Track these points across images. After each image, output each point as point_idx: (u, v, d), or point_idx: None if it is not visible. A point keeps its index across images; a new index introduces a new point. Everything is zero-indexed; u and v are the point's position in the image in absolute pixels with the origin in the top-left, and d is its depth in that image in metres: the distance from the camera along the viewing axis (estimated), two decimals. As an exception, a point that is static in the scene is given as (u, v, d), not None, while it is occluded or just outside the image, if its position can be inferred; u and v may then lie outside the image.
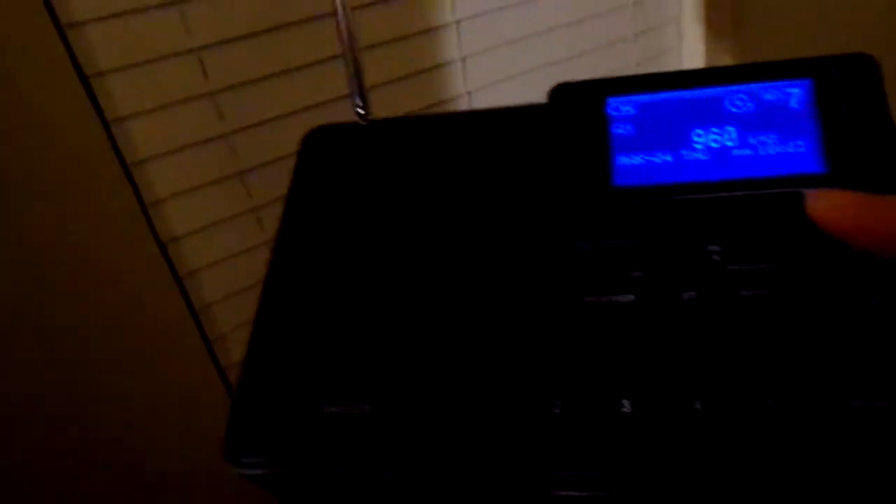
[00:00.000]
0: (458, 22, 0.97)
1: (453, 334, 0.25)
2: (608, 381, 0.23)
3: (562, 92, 0.29)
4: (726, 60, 1.18)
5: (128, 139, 0.76)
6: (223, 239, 0.86)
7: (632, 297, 0.24)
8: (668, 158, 0.27)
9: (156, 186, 0.80)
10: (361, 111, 0.33)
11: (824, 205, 0.24)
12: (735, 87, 0.27)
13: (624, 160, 0.27)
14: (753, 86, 0.27)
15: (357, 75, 0.33)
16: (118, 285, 0.79)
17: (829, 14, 1.08)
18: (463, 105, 1.00)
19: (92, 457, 0.85)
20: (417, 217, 0.28)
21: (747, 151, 0.27)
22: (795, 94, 0.27)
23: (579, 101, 0.28)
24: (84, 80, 0.71)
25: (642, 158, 0.27)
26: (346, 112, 0.33)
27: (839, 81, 0.27)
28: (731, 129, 0.27)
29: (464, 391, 0.23)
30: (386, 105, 0.90)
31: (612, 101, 0.28)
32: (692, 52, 1.21)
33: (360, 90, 0.33)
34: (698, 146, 0.27)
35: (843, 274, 0.24)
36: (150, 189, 0.79)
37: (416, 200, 0.28)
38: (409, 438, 0.23)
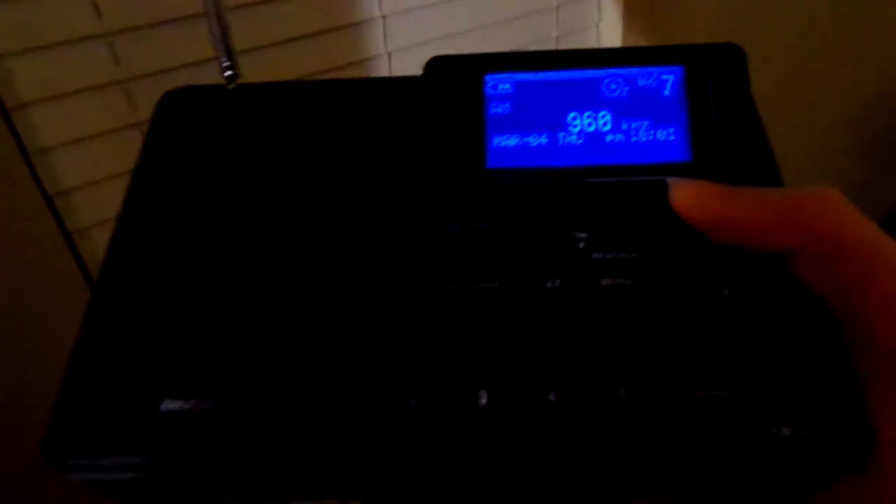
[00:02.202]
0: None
1: (307, 321, 0.23)
2: (466, 373, 0.21)
3: (438, 65, 0.27)
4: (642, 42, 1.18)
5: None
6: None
7: (496, 285, 0.23)
8: (544, 141, 0.26)
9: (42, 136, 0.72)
10: (229, 73, 0.29)
11: (683, 195, 0.23)
12: (612, 71, 0.26)
13: (499, 141, 0.26)
14: (629, 70, 0.26)
15: (223, 33, 0.29)
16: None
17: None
18: (383, 66, 0.96)
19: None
20: (275, 193, 0.25)
21: (620, 137, 0.26)
22: (668, 80, 0.26)
23: (456, 76, 0.26)
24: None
25: (518, 139, 0.26)
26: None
27: (708, 70, 0.26)
28: (605, 113, 0.26)
29: (317, 383, 0.22)
30: (295, 63, 0.85)
31: (490, 79, 0.26)
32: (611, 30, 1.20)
33: (227, 49, 0.29)
34: (574, 129, 0.26)
35: (701, 264, 0.23)
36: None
37: (274, 174, 0.26)
38: (256, 435, 0.21)
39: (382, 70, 0.96)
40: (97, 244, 0.79)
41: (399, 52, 0.97)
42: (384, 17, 0.94)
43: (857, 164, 1.17)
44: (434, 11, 0.98)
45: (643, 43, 1.18)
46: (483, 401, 0.21)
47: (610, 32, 1.19)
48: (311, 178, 0.26)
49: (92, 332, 0.23)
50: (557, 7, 1.11)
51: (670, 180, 0.24)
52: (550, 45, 1.12)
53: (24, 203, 0.72)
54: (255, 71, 0.79)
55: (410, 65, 0.98)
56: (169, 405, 0.21)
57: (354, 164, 0.26)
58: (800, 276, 0.22)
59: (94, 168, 0.75)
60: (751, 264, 0.22)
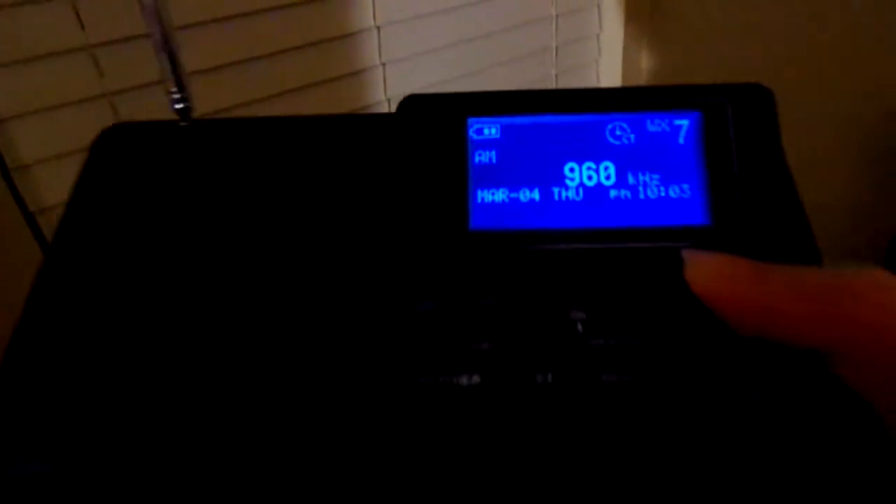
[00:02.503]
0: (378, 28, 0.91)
1: (248, 410, 0.18)
2: (439, 492, 0.17)
3: (413, 106, 0.23)
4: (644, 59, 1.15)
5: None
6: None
7: (477, 379, 0.18)
8: (536, 197, 0.22)
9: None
10: (181, 105, 0.26)
11: (702, 273, 0.19)
12: (617, 115, 0.22)
13: (484, 196, 0.22)
14: (637, 115, 0.22)
15: (172, 58, 0.25)
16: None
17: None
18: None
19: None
20: (218, 248, 0.21)
21: (626, 193, 0.21)
22: (683, 126, 0.22)
23: (434, 119, 0.22)
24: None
25: (505, 195, 0.22)
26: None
27: (730, 115, 0.22)
28: (609, 164, 0.22)
29: (261, 482, 0.17)
30: (289, 75, 0.82)
31: (474, 122, 0.22)
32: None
33: (178, 79, 0.26)
34: (571, 183, 0.22)
35: (724, 358, 0.18)
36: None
37: (220, 225, 0.22)
38: None
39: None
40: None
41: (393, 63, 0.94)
42: (378, 27, 0.91)
43: (865, 179, 1.13)
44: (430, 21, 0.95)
45: (644, 59, 1.15)
46: None
47: (610, 43, 1.17)
48: (261, 237, 0.22)
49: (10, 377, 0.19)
50: (556, 16, 1.08)
51: (686, 253, 0.19)
52: (549, 55, 1.09)
53: (5, 218, 0.68)
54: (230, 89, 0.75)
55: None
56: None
57: (312, 222, 0.22)
58: (843, 376, 0.18)
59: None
60: (784, 359, 0.18)
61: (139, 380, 0.19)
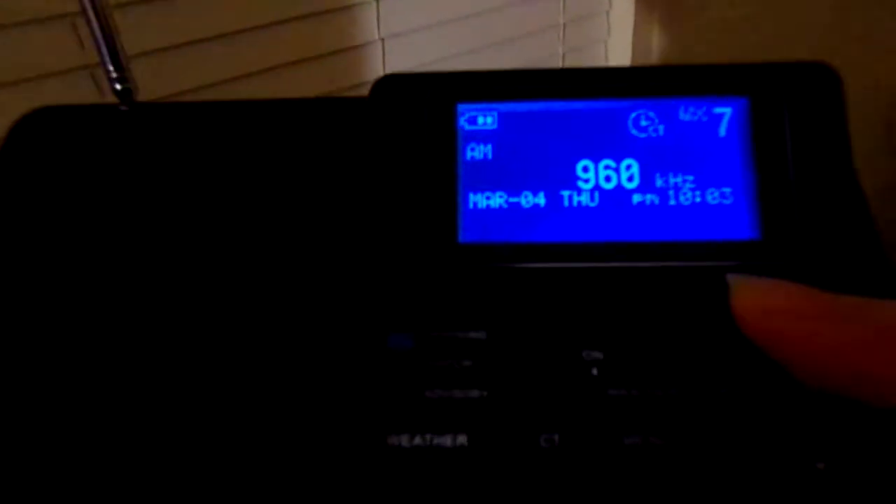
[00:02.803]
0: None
1: (188, 469, 0.14)
2: None
3: (390, 89, 0.18)
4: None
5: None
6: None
7: (463, 441, 0.14)
8: (541, 202, 0.17)
9: None
10: (121, 87, 0.21)
11: (753, 304, 0.14)
12: (642, 101, 0.18)
13: (477, 201, 0.18)
14: (667, 101, 0.18)
15: (107, 38, 0.21)
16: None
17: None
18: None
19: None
20: (144, 252, 0.17)
21: (652, 199, 0.17)
22: (724, 116, 0.17)
23: (416, 105, 0.18)
24: None
25: (503, 199, 0.18)
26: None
27: (786, 103, 0.17)
28: (632, 162, 0.17)
29: None
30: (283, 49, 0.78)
31: (465, 109, 0.18)
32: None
33: (116, 58, 0.21)
34: (585, 185, 0.17)
35: (782, 417, 0.14)
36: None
37: (158, 227, 0.18)
38: None
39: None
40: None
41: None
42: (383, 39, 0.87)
43: (891, 164, 1.08)
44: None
45: (655, 37, 1.10)
46: None
47: (620, 21, 1.12)
48: (204, 242, 0.17)
49: None
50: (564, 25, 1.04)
51: (731, 277, 0.15)
52: (557, 32, 1.04)
53: None
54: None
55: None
56: None
57: (266, 225, 0.18)
58: None
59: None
60: (859, 420, 0.14)
61: (46, 390, 0.15)
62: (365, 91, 0.18)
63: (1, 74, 0.64)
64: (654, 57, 1.12)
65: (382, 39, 0.89)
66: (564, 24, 1.06)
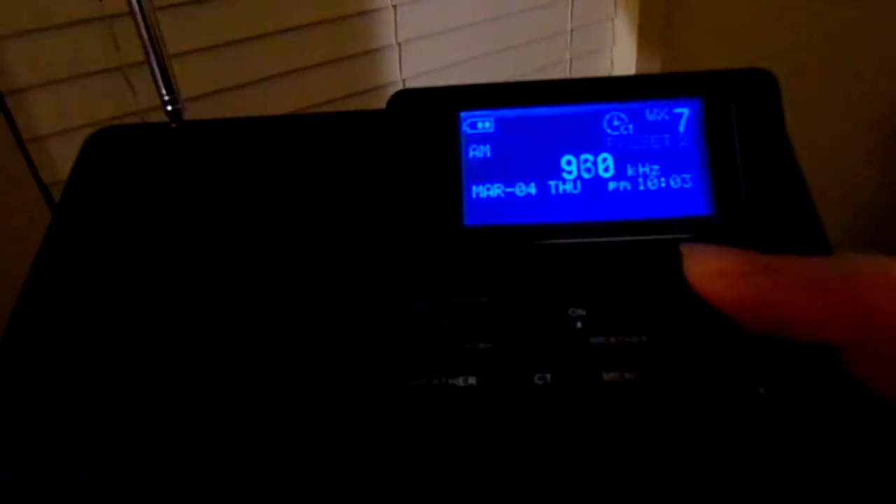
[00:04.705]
0: (395, 6, 0.89)
1: (232, 415, 0.17)
2: (432, 499, 0.16)
3: (403, 101, 0.21)
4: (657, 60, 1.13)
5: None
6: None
7: (472, 381, 0.17)
8: (532, 191, 0.20)
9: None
10: (171, 108, 0.25)
11: (702, 268, 0.17)
12: (614, 105, 0.21)
13: (478, 192, 0.21)
14: (635, 104, 0.21)
15: (161, 65, 0.25)
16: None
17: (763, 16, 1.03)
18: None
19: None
20: (209, 250, 0.20)
21: (625, 185, 0.20)
22: (683, 115, 0.20)
23: (425, 114, 0.21)
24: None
25: (500, 190, 0.21)
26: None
27: (733, 102, 0.20)
28: (607, 155, 0.20)
29: (239, 490, 0.16)
30: (304, 52, 0.81)
31: (467, 116, 0.21)
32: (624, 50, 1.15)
33: (168, 83, 0.25)
34: (568, 176, 0.20)
35: (730, 354, 0.17)
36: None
37: (212, 227, 0.21)
38: None
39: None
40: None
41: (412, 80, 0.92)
42: (395, 6, 0.89)
43: (879, 169, 1.10)
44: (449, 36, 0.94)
45: (659, 45, 1.12)
46: None
47: (624, 59, 1.14)
48: (252, 239, 0.21)
49: None
50: (571, 31, 1.06)
51: (683, 247, 0.18)
52: (565, 38, 1.07)
53: (18, 190, 0.67)
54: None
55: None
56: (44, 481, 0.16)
57: (304, 219, 0.21)
58: (854, 372, 0.16)
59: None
60: (791, 354, 0.17)
61: (130, 387, 0.18)
62: (382, 92, 0.21)
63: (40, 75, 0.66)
64: (657, 61, 1.14)
65: (399, 44, 0.92)
66: (572, 31, 1.08)
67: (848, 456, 0.16)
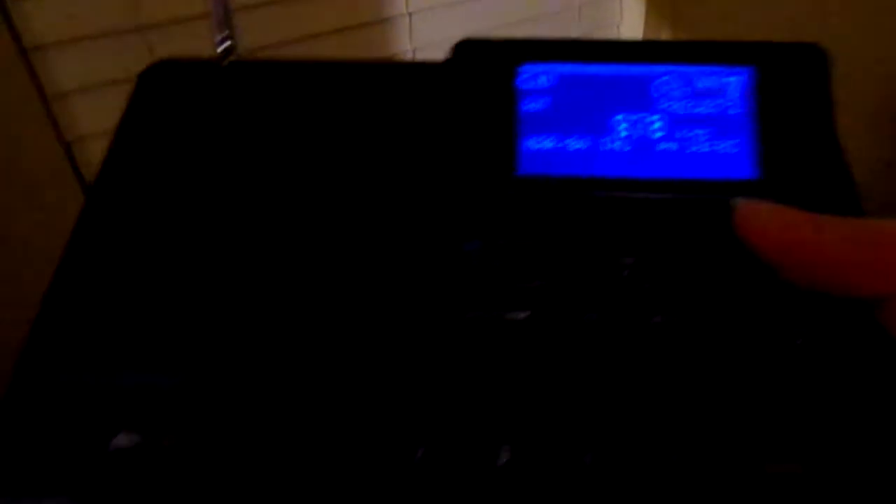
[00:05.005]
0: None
1: (294, 347, 0.18)
2: (485, 423, 0.17)
3: (465, 50, 0.22)
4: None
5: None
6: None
7: (523, 315, 0.18)
8: (583, 145, 0.21)
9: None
10: (225, 45, 0.25)
11: (753, 218, 0.18)
12: (668, 68, 0.21)
13: (532, 143, 0.21)
14: (689, 68, 0.21)
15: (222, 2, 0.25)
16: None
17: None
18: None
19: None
20: (266, 193, 0.21)
21: (673, 146, 0.21)
22: (733, 83, 0.21)
23: (485, 65, 0.22)
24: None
25: (553, 143, 0.21)
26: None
27: (784, 74, 0.21)
28: (657, 117, 0.21)
29: (307, 428, 0.17)
30: (315, 20, 0.80)
31: (524, 70, 0.22)
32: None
33: (225, 15, 0.25)
34: (620, 134, 0.21)
35: (770, 305, 0.18)
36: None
37: (268, 170, 0.21)
38: (228, 484, 0.16)
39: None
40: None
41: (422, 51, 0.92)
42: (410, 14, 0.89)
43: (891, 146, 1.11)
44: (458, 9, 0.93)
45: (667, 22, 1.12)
46: (503, 458, 0.17)
47: (631, 32, 1.14)
48: (309, 177, 0.21)
49: (40, 341, 0.19)
50: (580, 7, 1.05)
51: (736, 201, 0.19)
52: (574, 13, 1.06)
53: (41, 147, 0.67)
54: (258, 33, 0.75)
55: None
56: (122, 440, 0.17)
57: (361, 162, 0.21)
58: (889, 327, 0.17)
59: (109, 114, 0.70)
60: (830, 309, 0.18)
61: (186, 316, 0.19)
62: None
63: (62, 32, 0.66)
64: (665, 36, 1.13)
65: (410, 14, 0.91)
66: (580, 7, 1.07)
67: (879, 409, 0.17)
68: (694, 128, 0.21)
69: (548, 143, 0.21)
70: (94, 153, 0.71)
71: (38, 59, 0.65)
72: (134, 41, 0.70)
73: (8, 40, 0.62)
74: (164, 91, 0.23)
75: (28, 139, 0.67)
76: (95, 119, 0.69)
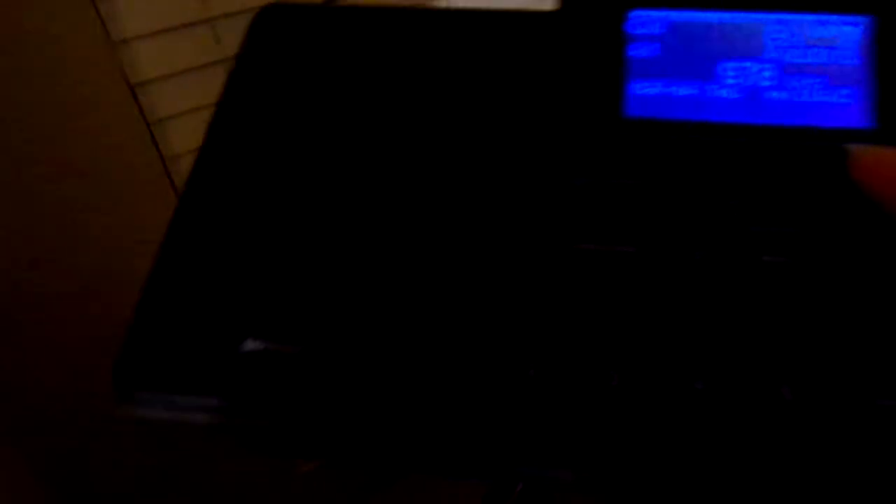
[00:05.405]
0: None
1: (412, 272, 0.19)
2: (596, 347, 0.17)
3: None
4: None
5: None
6: (192, 87, 0.76)
7: (633, 249, 0.19)
8: (692, 91, 0.21)
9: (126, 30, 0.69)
10: None
11: (867, 161, 0.18)
12: (780, 16, 0.21)
13: (640, 88, 0.21)
14: (802, 17, 0.21)
15: None
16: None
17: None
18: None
19: (67, 302, 0.77)
20: (378, 128, 0.21)
21: (784, 95, 0.21)
22: (850, 33, 0.21)
23: (595, 10, 0.22)
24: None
25: (661, 88, 0.21)
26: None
27: None
28: (768, 65, 0.21)
29: (423, 347, 0.18)
30: None
31: (635, 16, 0.22)
32: None
33: None
34: (728, 81, 0.21)
35: (883, 248, 0.18)
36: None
37: (380, 107, 0.22)
38: (347, 387, 0.17)
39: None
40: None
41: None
42: None
43: None
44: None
45: None
46: (615, 381, 0.17)
47: None
48: (418, 117, 0.22)
49: (172, 258, 0.19)
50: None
51: (851, 146, 0.19)
52: None
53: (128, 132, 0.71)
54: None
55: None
56: (251, 345, 0.17)
57: (470, 103, 0.22)
58: None
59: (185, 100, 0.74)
60: None
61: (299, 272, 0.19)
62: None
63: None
64: None
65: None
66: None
67: None
68: (806, 77, 0.21)
69: (656, 88, 0.21)
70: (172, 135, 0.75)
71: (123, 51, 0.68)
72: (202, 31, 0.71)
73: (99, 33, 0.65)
74: (275, 32, 0.23)
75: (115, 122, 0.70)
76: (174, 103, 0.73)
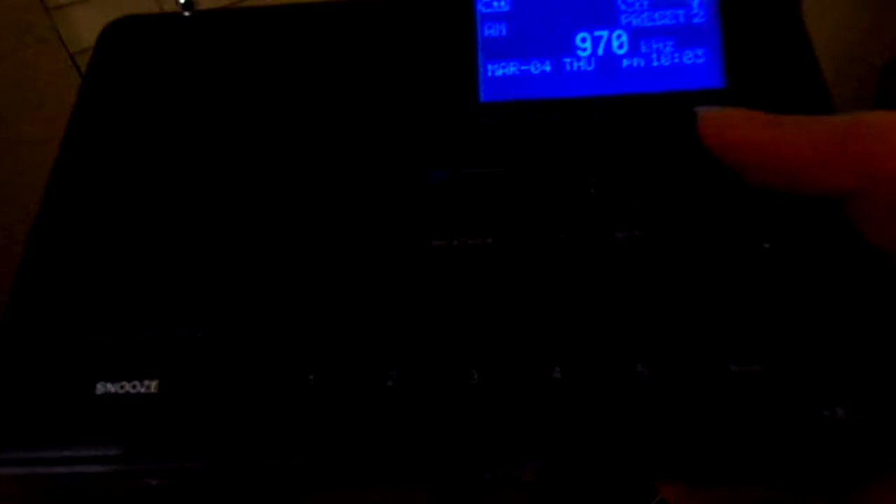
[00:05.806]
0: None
1: (265, 286, 0.18)
2: (454, 346, 0.17)
3: None
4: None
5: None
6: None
7: (490, 240, 0.18)
8: (547, 68, 0.21)
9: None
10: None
11: (715, 124, 0.18)
12: None
13: (494, 69, 0.21)
14: None
15: None
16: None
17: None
18: None
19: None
20: (232, 131, 0.21)
21: (638, 61, 0.20)
22: None
23: None
24: None
25: (516, 67, 0.21)
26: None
27: None
28: (621, 32, 0.21)
29: (277, 358, 0.17)
30: None
31: None
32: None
33: None
34: (582, 53, 0.21)
35: (736, 211, 0.18)
36: None
37: (233, 110, 0.21)
38: (206, 425, 0.17)
39: None
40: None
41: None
42: None
43: (859, 10, 1.07)
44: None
45: None
46: (474, 379, 0.17)
47: None
48: (274, 117, 0.21)
49: (20, 302, 0.19)
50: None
51: (699, 109, 0.18)
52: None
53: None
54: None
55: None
56: (106, 388, 0.17)
57: (324, 100, 0.21)
58: (857, 225, 0.17)
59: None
60: (796, 210, 0.18)
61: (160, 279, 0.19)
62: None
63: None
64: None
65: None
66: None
67: (848, 308, 0.17)
68: (658, 40, 0.20)
69: (510, 69, 0.21)
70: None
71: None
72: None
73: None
74: (125, 47, 0.22)
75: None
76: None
